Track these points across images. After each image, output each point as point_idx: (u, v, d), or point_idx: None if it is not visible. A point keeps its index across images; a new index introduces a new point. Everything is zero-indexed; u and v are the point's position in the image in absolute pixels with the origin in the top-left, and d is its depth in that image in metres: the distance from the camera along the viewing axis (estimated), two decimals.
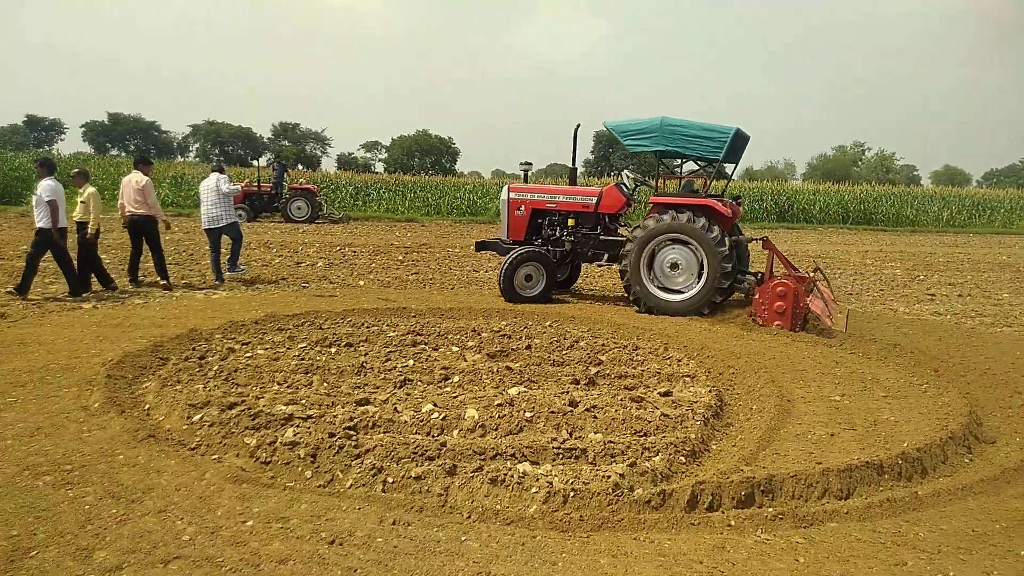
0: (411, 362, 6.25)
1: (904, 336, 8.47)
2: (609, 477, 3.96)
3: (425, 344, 6.98)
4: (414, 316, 8.53)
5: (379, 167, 73.09)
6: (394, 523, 3.52)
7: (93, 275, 9.82)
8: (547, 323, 8.22)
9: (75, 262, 9.48)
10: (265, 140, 77.85)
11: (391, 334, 7.33)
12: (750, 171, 74.27)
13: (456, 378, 5.83)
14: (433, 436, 4.57)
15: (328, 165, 73.58)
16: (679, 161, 11.86)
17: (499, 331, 7.53)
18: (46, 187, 9.00)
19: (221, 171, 11.49)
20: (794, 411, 5.46)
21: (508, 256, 9.98)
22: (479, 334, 7.40)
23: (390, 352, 6.60)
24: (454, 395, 5.39)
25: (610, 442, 4.50)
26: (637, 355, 6.83)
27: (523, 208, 10.58)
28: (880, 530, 3.66)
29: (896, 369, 6.89)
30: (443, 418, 4.80)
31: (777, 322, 8.47)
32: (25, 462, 4.06)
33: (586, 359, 6.54)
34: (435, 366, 6.13)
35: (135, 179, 10.20)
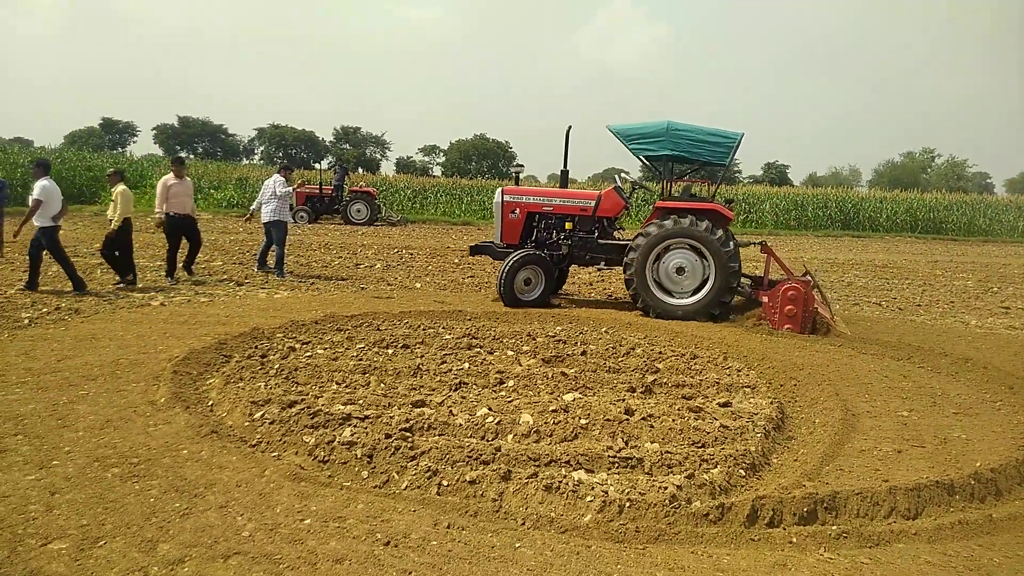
0: (466, 365, 6.27)
1: (976, 350, 8.12)
2: (666, 488, 3.89)
3: (480, 347, 6.99)
4: (469, 319, 8.57)
5: (436, 171, 73.89)
6: (448, 527, 3.52)
7: (110, 265, 10.34)
8: (603, 329, 8.15)
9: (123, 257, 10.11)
10: (327, 143, 79.44)
11: (447, 337, 7.37)
12: (813, 177, 72.61)
13: (511, 382, 5.82)
14: (488, 440, 4.57)
15: (387, 168, 74.61)
16: (671, 165, 11.69)
17: (554, 336, 7.50)
18: (39, 187, 9.32)
19: (282, 173, 11.96)
20: (859, 426, 5.29)
21: (508, 259, 9.78)
22: (534, 339, 7.38)
23: (446, 355, 6.63)
24: (509, 399, 5.38)
25: (667, 452, 4.42)
26: (695, 364, 6.71)
27: (517, 211, 10.37)
28: (951, 553, 3.50)
29: (967, 385, 6.61)
30: (498, 422, 4.79)
31: (787, 325, 8.59)
32: (95, 454, 4.21)
33: (643, 367, 6.46)
34: (490, 370, 6.13)
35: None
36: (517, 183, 11.29)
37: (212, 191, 30.68)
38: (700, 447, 4.64)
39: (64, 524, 3.37)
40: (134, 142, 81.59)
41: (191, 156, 68.50)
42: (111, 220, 10.14)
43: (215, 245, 15.98)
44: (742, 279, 9.60)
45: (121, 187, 10.23)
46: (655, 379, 6.06)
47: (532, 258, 9.81)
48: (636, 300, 9.48)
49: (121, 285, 10.07)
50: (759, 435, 4.83)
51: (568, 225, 10.29)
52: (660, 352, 7.07)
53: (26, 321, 7.56)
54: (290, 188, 12.11)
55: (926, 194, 38.85)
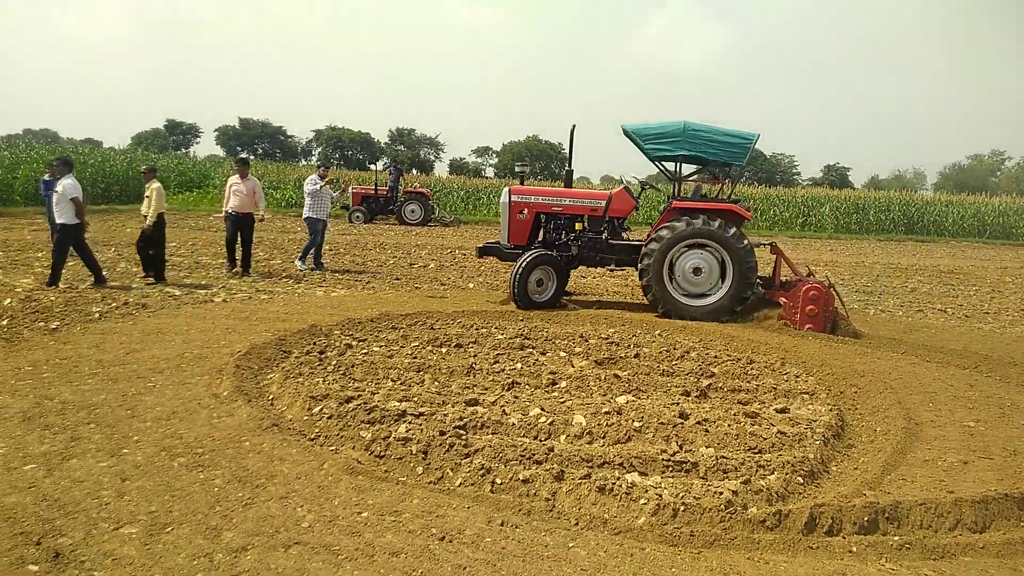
0: (519, 365, 6.30)
1: None
2: (722, 493, 3.85)
3: (533, 348, 7.01)
4: (522, 320, 8.60)
5: (489, 172, 74.28)
6: (502, 524, 3.55)
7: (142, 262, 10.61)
8: (656, 332, 8.09)
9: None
10: (382, 145, 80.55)
11: (499, 337, 7.41)
12: (875, 180, 70.61)
13: (563, 383, 5.83)
14: (540, 440, 4.59)
15: (441, 170, 75.26)
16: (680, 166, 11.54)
17: (607, 338, 7.47)
18: (70, 185, 9.60)
19: (318, 172, 12.78)
20: (922, 435, 5.14)
21: (521, 260, 9.48)
22: (587, 340, 7.37)
23: (498, 354, 6.67)
24: (561, 400, 5.38)
25: (722, 457, 4.37)
26: (752, 369, 6.60)
27: (526, 211, 10.15)
28: (1021, 569, 3.38)
29: None
30: (550, 423, 4.80)
31: (808, 325, 8.61)
32: (162, 443, 4.37)
33: (697, 371, 6.39)
34: (543, 370, 6.15)
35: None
36: (522, 183, 11.09)
37: (271, 191, 31.44)
38: (756, 453, 4.58)
39: (134, 510, 3.50)
40: (197, 143, 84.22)
41: (252, 157, 70.27)
42: (145, 216, 10.44)
43: (274, 244, 16.38)
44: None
45: (156, 184, 10.57)
46: (710, 383, 5.99)
47: (545, 258, 9.57)
48: (656, 304, 9.34)
49: (150, 280, 10.39)
50: (818, 442, 4.74)
51: (579, 226, 10.13)
52: (715, 356, 6.98)
53: (96, 315, 7.87)
54: (317, 186, 12.48)
55: (995, 198, 37.46)
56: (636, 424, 4.80)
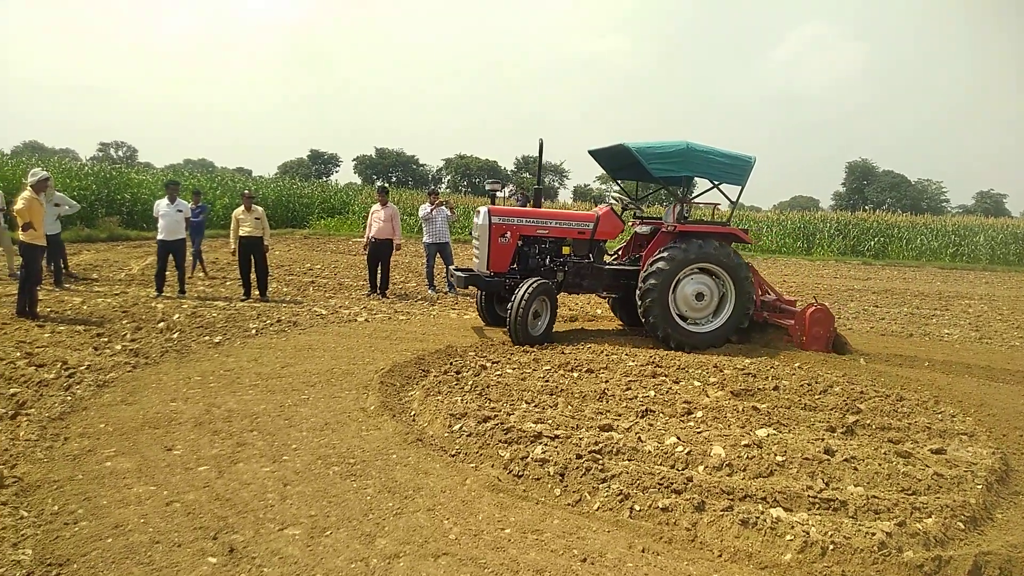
0: (652, 393, 6.26)
1: None
2: (874, 534, 3.69)
3: (665, 376, 6.94)
4: (652, 347, 8.54)
5: (611, 199, 74.00)
6: (643, 550, 3.55)
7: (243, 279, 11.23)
8: (795, 364, 7.79)
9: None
10: (508, 172, 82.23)
11: (630, 363, 7.39)
12: None
13: (699, 413, 5.74)
14: (678, 470, 4.55)
15: (565, 196, 75.91)
16: (636, 184, 11.31)
17: (742, 369, 7.28)
18: (187, 207, 11.08)
19: (429, 198, 13.07)
20: None
21: (522, 290, 8.40)
22: (721, 370, 7.21)
23: (630, 381, 6.65)
24: (698, 430, 5.31)
25: (873, 497, 4.17)
26: (902, 406, 6.24)
27: (508, 235, 9.11)
28: None
29: None
30: (687, 452, 4.75)
31: (814, 347, 8.58)
32: (318, 452, 4.68)
33: (842, 406, 6.11)
34: (676, 399, 6.08)
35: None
36: (493, 202, 9.82)
37: (406, 218, 32.75)
38: (910, 494, 4.34)
39: (296, 513, 3.78)
40: (337, 171, 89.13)
41: (385, 185, 73.56)
42: (256, 238, 10.97)
43: (409, 267, 17.05)
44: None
45: (260, 208, 11.23)
46: (857, 420, 5.72)
47: (545, 287, 8.62)
48: (655, 331, 8.70)
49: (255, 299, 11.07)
50: (979, 487, 4.43)
51: (566, 250, 9.38)
52: (861, 392, 6.64)
53: (253, 331, 8.51)
54: (424, 212, 12.81)
55: None
56: (779, 458, 4.66)
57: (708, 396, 6.30)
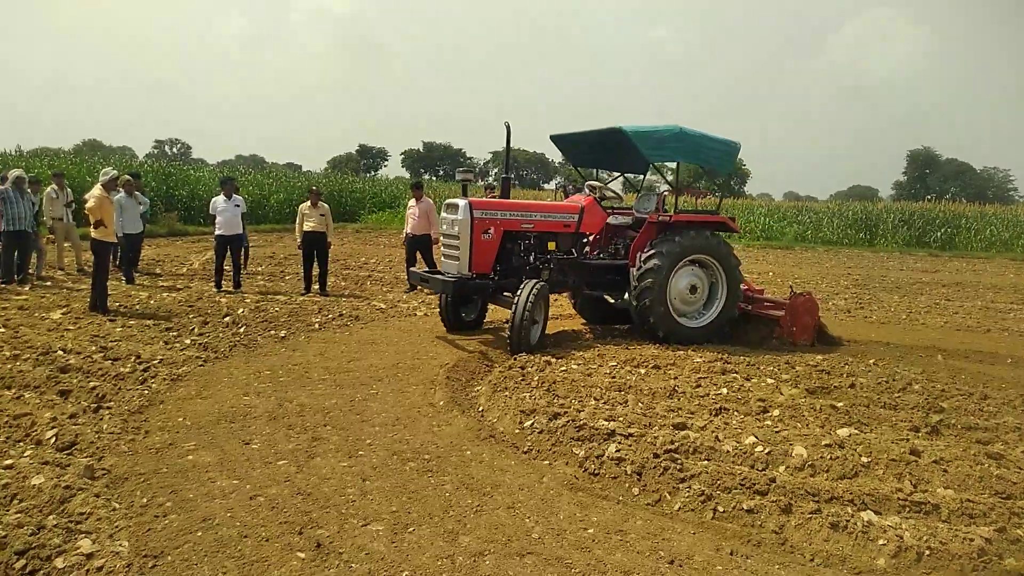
0: (724, 390, 6.11)
1: None
2: (972, 540, 3.52)
3: (736, 373, 6.77)
4: (714, 344, 8.35)
5: (662, 188, 73.15)
6: (731, 553, 3.46)
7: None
8: (870, 360, 7.54)
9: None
10: (556, 164, 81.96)
11: (698, 359, 7.23)
12: None
13: (775, 411, 5.58)
14: (759, 470, 4.41)
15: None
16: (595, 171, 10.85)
17: (815, 365, 7.07)
18: (240, 201, 11.32)
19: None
20: None
21: (524, 294, 7.40)
22: (793, 367, 7.02)
23: (700, 378, 6.51)
24: (776, 429, 5.15)
25: (967, 501, 3.99)
26: (987, 405, 5.98)
27: (492, 230, 8.13)
28: None
29: None
30: (768, 452, 4.61)
31: (803, 337, 8.41)
32: (392, 447, 4.68)
33: (924, 404, 5.88)
34: (750, 397, 5.92)
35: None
36: (465, 195, 8.57)
37: None
38: (1006, 498, 4.13)
39: (377, 508, 3.78)
40: (385, 165, 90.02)
41: (433, 179, 74.02)
42: (320, 233, 11.18)
43: None
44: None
45: (325, 205, 11.35)
46: (941, 419, 5.50)
47: (545, 290, 7.79)
48: (655, 330, 8.16)
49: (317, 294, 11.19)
50: None
51: (552, 245, 8.65)
52: (943, 390, 6.39)
53: (316, 326, 8.60)
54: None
55: None
56: (863, 459, 4.49)
57: (782, 394, 6.12)
